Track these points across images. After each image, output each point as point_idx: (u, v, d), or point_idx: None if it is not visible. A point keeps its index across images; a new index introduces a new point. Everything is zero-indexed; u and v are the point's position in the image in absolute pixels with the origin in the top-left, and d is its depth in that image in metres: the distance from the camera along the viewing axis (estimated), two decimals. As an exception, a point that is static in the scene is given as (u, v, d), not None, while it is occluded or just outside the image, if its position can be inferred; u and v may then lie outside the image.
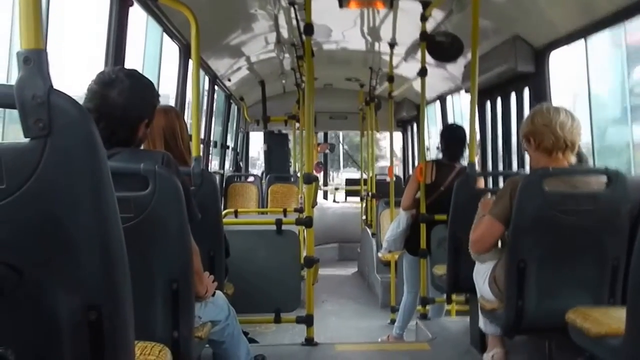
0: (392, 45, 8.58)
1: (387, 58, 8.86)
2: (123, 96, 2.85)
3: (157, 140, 3.94)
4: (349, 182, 18.71)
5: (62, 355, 1.59)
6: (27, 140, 1.52)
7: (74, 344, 1.59)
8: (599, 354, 3.05)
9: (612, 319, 2.97)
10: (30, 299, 1.55)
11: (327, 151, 18.99)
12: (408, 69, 9.19)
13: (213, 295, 3.37)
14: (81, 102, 2.79)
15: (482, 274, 3.98)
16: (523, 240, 3.55)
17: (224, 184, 11.48)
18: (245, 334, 4.14)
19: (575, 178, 3.61)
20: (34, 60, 1.50)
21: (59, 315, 1.57)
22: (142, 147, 3.24)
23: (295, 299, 5.45)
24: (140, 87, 2.98)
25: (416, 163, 11.92)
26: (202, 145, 7.02)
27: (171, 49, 6.57)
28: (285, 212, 9.21)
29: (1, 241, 1.52)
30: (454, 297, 6.06)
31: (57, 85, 1.53)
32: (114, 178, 1.61)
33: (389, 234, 6.50)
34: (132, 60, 5.00)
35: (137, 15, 5.15)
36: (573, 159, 3.66)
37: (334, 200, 18.03)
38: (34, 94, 1.49)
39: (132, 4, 4.66)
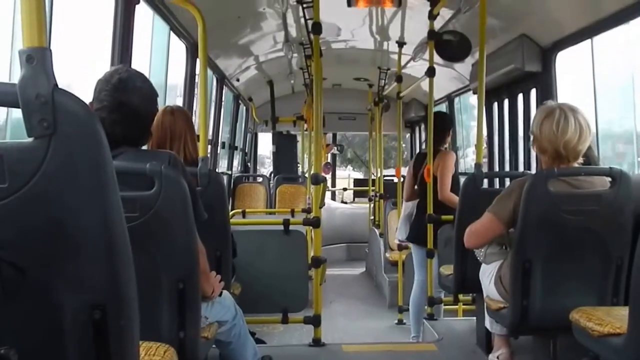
0: (401, 44, 8.56)
1: (395, 57, 8.84)
2: (143, 102, 2.94)
3: (166, 140, 3.96)
4: (357, 182, 18.68)
5: (65, 354, 1.58)
6: (30, 139, 1.50)
7: (78, 343, 1.58)
8: (602, 353, 3.04)
9: (615, 319, 2.96)
10: (34, 298, 1.54)
11: (336, 152, 18.95)
12: (416, 69, 9.17)
13: (220, 295, 3.37)
14: (88, 100, 2.82)
15: (488, 273, 3.98)
16: (529, 240, 3.54)
17: (232, 184, 11.48)
18: (252, 334, 4.14)
19: (579, 178, 3.60)
20: (38, 58, 1.48)
21: (62, 314, 1.56)
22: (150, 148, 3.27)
23: (302, 299, 5.46)
24: (154, 92, 3.06)
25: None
26: (209, 146, 7.01)
27: (179, 48, 6.58)
28: (293, 212, 9.24)
29: (4, 240, 1.50)
30: (460, 297, 6.05)
31: (62, 84, 1.52)
32: (119, 177, 1.60)
33: (400, 221, 6.80)
34: (139, 59, 5.00)
35: (144, 13, 5.16)
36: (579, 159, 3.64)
37: (342, 201, 17.99)
38: (38, 93, 1.47)
39: (138, 2, 4.64)
